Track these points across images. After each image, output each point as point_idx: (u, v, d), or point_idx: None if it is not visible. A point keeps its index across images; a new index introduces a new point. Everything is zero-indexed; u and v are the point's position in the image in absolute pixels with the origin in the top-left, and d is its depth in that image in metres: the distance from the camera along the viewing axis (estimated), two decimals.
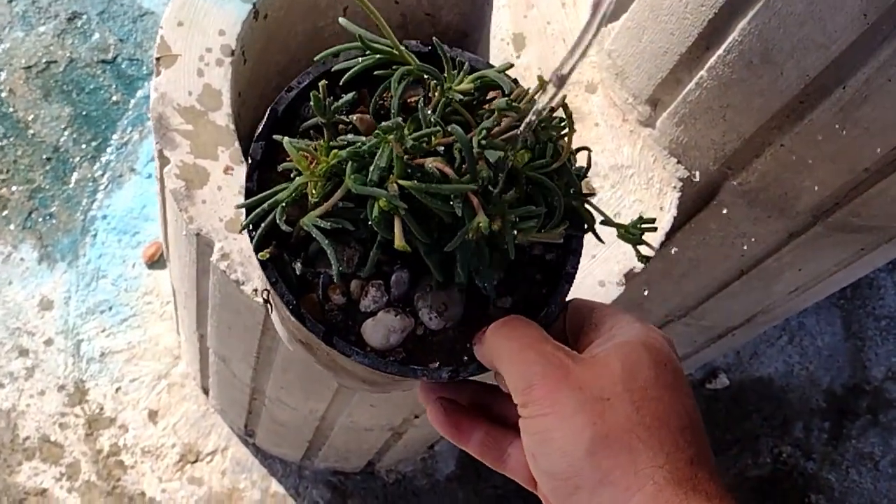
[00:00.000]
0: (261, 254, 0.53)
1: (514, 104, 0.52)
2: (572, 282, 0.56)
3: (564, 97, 0.54)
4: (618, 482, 0.43)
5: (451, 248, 0.49)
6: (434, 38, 0.57)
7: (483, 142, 0.50)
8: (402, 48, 0.55)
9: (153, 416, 1.46)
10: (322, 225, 0.50)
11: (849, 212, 0.89)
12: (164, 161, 0.88)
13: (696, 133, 0.87)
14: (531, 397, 0.46)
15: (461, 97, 0.54)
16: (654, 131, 0.91)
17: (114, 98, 1.58)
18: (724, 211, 0.93)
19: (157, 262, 1.50)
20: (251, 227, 0.53)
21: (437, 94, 0.54)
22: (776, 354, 1.68)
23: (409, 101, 0.55)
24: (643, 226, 0.55)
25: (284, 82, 1.25)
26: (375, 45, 0.54)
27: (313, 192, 0.51)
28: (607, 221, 0.56)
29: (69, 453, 1.41)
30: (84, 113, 1.56)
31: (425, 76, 0.54)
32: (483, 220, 0.48)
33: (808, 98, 0.77)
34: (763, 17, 0.72)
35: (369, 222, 0.50)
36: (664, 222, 0.90)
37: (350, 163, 0.50)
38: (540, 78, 0.54)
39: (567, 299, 0.55)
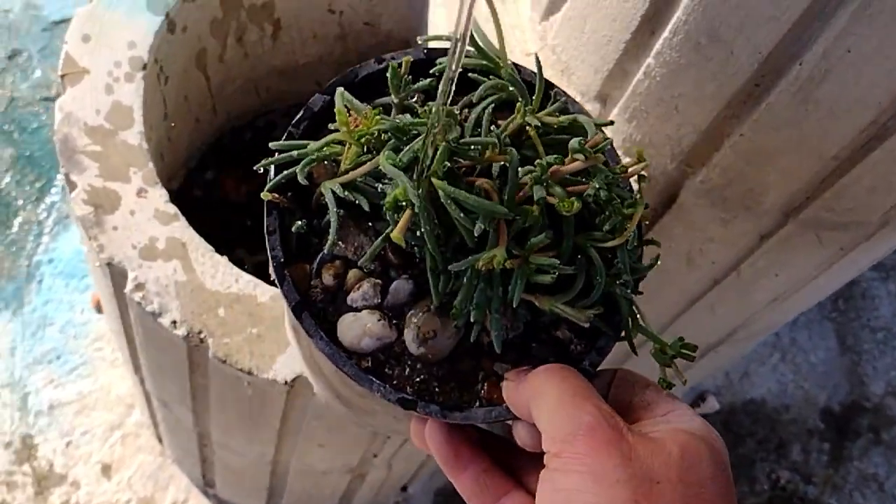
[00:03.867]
0: (263, 193, 0.49)
1: (585, 148, 0.47)
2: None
3: (645, 163, 0.50)
4: None
5: (457, 268, 0.45)
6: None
7: (540, 175, 0.45)
8: (510, 63, 0.53)
9: (107, 470, 1.37)
10: (338, 192, 0.47)
11: (821, 206, 0.81)
12: (71, 186, 0.81)
13: (650, 128, 0.80)
14: (571, 448, 0.40)
15: (538, 125, 0.50)
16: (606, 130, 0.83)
17: None
18: (688, 213, 0.86)
19: None
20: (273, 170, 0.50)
21: (518, 116, 0.50)
22: (768, 373, 1.59)
23: (497, 123, 0.51)
24: (683, 350, 0.49)
25: (221, 104, 1.16)
26: (486, 53, 0.53)
27: (347, 159, 0.48)
28: (646, 332, 0.51)
29: None
30: (27, 153, 1.49)
31: (506, 93, 0.52)
32: (500, 253, 0.43)
33: (764, 79, 0.70)
34: None
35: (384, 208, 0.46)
36: None
37: (392, 139, 0.47)
38: (639, 152, 0.51)
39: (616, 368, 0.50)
